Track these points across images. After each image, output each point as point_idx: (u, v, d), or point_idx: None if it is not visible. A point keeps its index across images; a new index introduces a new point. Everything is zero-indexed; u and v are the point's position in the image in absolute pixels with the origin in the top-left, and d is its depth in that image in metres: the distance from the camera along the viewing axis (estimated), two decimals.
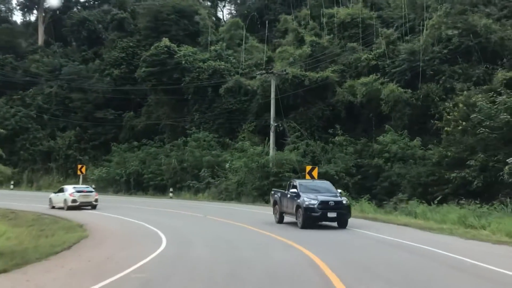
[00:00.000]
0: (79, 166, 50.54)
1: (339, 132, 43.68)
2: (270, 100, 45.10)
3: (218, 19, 73.63)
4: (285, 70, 43.85)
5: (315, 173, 31.90)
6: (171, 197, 44.73)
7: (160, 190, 47.45)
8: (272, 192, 26.71)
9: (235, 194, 40.71)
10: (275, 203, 25.31)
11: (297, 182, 24.15)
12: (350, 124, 46.49)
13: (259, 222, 25.09)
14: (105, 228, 22.56)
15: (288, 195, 23.62)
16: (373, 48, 47.90)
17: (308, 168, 32.90)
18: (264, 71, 42.30)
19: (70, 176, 55.83)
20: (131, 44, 59.87)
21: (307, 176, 32.32)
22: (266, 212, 31.32)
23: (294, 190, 23.26)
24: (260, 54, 54.46)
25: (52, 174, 56.44)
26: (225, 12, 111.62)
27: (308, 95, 47.05)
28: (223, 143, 48.15)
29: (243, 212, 32.17)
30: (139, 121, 56.34)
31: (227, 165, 43.26)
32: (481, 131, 34.13)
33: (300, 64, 48.42)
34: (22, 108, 59.72)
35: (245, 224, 23.88)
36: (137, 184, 48.82)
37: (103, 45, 64.37)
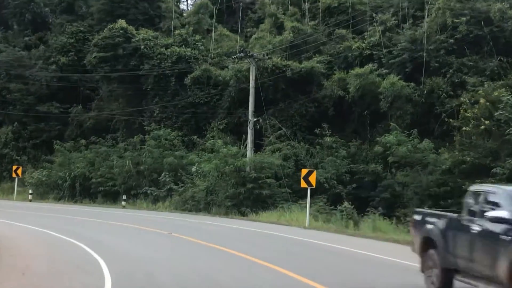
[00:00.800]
0: (14, 167, 42.90)
1: (327, 132, 37.22)
2: (245, 94, 38.68)
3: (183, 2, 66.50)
4: (267, 54, 37.24)
5: (312, 178, 25.25)
6: (124, 206, 37.50)
7: (111, 197, 40.15)
8: (418, 218, 12.51)
9: (204, 204, 33.80)
10: (427, 243, 11.65)
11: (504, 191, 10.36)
12: (338, 124, 40.09)
13: (250, 244, 18.36)
14: (22, 251, 15.49)
15: (477, 227, 10.23)
16: (366, 36, 41.67)
17: (304, 172, 26.23)
18: (242, 54, 35.47)
19: (5, 179, 47.94)
20: (81, 29, 52.37)
21: (302, 183, 25.68)
22: (248, 228, 24.64)
23: (500, 212, 9.72)
24: (232, 42, 47.66)
25: None
26: None
27: (290, 88, 40.59)
28: (189, 143, 41.16)
29: (218, 228, 25.32)
30: (89, 116, 48.84)
31: (193, 169, 36.31)
32: (510, 132, 28.36)
33: (280, 54, 41.84)
34: None
35: (231, 249, 17.06)
36: (83, 190, 41.38)
37: (49, 30, 56.52)
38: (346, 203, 28.04)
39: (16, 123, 50.28)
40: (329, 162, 35.48)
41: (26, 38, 55.69)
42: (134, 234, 21.57)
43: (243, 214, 31.84)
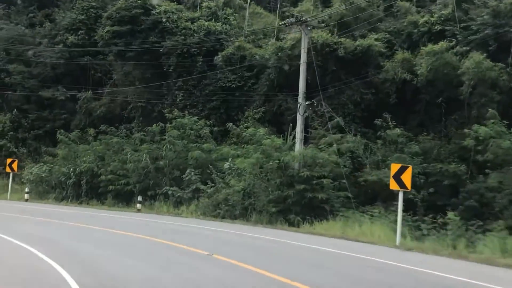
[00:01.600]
0: (9, 160, 36.49)
1: (390, 123, 30.33)
2: (287, 76, 32.36)
3: None
4: (323, 21, 30.51)
5: (407, 177, 18.40)
6: (139, 210, 30.89)
7: (124, 198, 33.59)
8: None
9: (241, 210, 27.00)
10: None
11: None
12: (400, 114, 33.14)
13: (340, 276, 11.72)
14: None
15: None
16: (435, 9, 34.70)
17: (395, 168, 19.27)
18: (293, 19, 28.58)
19: (2, 174, 41.52)
20: (93, 4, 45.88)
21: (392, 183, 18.85)
22: (311, 246, 18.02)
23: None
24: (268, 19, 40.97)
25: None
26: None
27: (342, 71, 33.71)
28: (217, 135, 34.50)
29: (272, 244, 18.64)
30: (100, 103, 42.32)
31: (226, 165, 29.61)
32: None
33: (331, 30, 35.03)
34: None
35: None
36: (90, 189, 34.90)
37: (57, 7, 50.20)
38: (450, 215, 21.16)
39: (15, 110, 43.97)
40: (395, 160, 28.58)
41: (31, 15, 49.36)
42: (160, 255, 14.89)
43: (291, 224, 25.08)
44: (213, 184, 29.58)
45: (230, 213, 27.19)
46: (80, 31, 45.03)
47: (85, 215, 27.61)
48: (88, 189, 34.91)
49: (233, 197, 27.44)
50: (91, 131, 37.55)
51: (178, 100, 36.92)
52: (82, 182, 34.89)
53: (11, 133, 43.12)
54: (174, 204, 30.87)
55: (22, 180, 38.50)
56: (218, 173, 29.79)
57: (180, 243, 16.72)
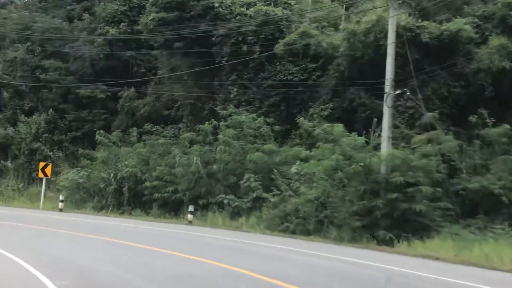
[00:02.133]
0: (41, 164, 32.66)
1: (488, 121, 25.34)
2: (360, 67, 27.91)
3: None
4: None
5: None
6: (190, 222, 26.45)
7: (172, 208, 29.33)
8: None
9: (315, 223, 22.28)
10: None
11: None
12: (495, 110, 28.05)
13: None
14: None
15: None
16: None
17: None
18: None
19: (36, 181, 37.77)
20: None
21: None
22: (442, 278, 13.32)
23: None
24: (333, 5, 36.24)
25: (7, 178, 38.33)
26: None
27: (426, 60, 28.83)
28: (277, 135, 29.93)
29: (377, 273, 13.85)
30: (143, 102, 38.26)
31: (293, 168, 24.96)
32: None
33: (411, 13, 30.16)
34: None
35: None
36: (133, 197, 30.75)
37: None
38: None
39: (51, 110, 40.21)
40: (500, 164, 23.69)
41: (69, 7, 45.72)
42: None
43: (381, 242, 20.25)
44: (278, 192, 24.96)
45: (302, 228, 22.47)
46: (121, 24, 41.12)
47: (129, 229, 23.39)
48: (131, 197, 30.73)
49: (304, 208, 22.75)
50: (134, 131, 33.35)
51: (232, 96, 32.46)
52: (124, 189, 30.73)
53: (46, 135, 39.34)
54: (230, 215, 26.36)
55: (57, 187, 34.60)
56: (284, 180, 25.14)
57: (262, 273, 12.12)
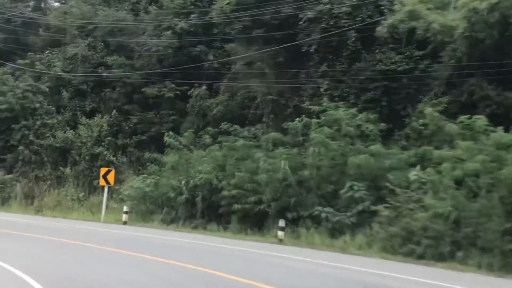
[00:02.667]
0: (103, 170, 28.72)
1: None
2: (482, 52, 22.68)
3: None
4: None
5: None
6: (280, 240, 21.65)
7: (255, 222, 24.68)
8: None
9: (450, 245, 17.14)
10: None
11: None
12: None
13: None
14: None
15: None
16: None
17: None
18: None
19: (97, 189, 33.88)
20: None
21: None
22: None
23: None
24: None
25: (66, 186, 34.60)
26: None
27: None
28: (382, 132, 24.89)
29: None
30: (216, 101, 33.98)
31: (412, 174, 19.88)
32: None
33: None
34: (30, 78, 38.56)
35: None
36: (208, 208, 26.29)
37: None
38: None
39: (114, 111, 36.39)
40: None
41: (134, 0, 42.06)
42: None
43: None
44: (390, 205, 19.93)
45: (434, 251, 17.36)
46: (191, 16, 37.08)
47: (205, 249, 18.94)
48: (205, 209, 26.25)
49: (434, 225, 17.65)
50: (210, 131, 28.88)
51: (322, 90, 27.67)
52: (197, 199, 26.29)
53: (109, 138, 35.47)
54: (329, 232, 21.49)
55: (121, 196, 30.58)
56: (399, 189, 20.06)
57: None
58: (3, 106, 36.38)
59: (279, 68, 29.76)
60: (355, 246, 19.88)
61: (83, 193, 34.19)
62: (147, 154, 30.94)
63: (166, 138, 29.42)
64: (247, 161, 26.04)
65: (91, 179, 34.72)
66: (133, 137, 36.21)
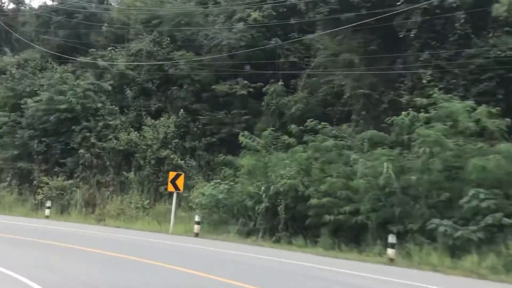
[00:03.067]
0: (172, 175, 25.55)
1: None
2: None
3: None
4: None
5: None
6: (391, 260, 17.77)
7: (350, 236, 20.98)
8: None
9: None
10: None
11: None
12: None
13: None
14: None
15: None
16: None
17: None
18: None
19: (164, 197, 30.89)
20: None
21: None
22: None
23: None
24: None
25: (130, 193, 31.67)
26: None
27: None
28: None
29: None
30: (295, 98, 30.48)
31: None
32: None
33: None
34: (91, 76, 36.00)
35: None
36: (293, 219, 22.77)
37: None
38: None
39: (181, 110, 33.27)
40: None
41: None
42: None
43: None
44: None
45: None
46: (265, 6, 33.76)
47: (300, 271, 15.31)
48: (289, 219, 22.65)
49: None
50: (293, 128, 25.14)
51: (424, 82, 23.70)
52: (279, 208, 22.68)
53: (176, 140, 32.39)
54: (449, 250, 17.51)
55: (190, 204, 27.34)
56: None
57: None
58: (63, 106, 33.81)
59: (371, 58, 25.90)
60: (488, 268, 15.86)
61: (148, 201, 31.20)
62: (220, 157, 27.43)
63: (241, 139, 26.01)
64: (338, 164, 22.31)
65: (157, 185, 31.73)
66: (202, 139, 33.00)
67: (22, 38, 42.34)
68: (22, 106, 35.80)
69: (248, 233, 23.97)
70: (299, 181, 22.48)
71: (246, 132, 27.13)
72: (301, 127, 24.83)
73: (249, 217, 24.33)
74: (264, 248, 20.97)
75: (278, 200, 22.90)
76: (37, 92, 35.64)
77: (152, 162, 32.13)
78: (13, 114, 36.16)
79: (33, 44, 41.51)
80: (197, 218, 24.10)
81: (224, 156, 26.95)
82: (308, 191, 22.05)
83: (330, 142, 22.86)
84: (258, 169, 24.91)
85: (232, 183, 25.95)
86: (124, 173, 32.55)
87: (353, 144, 23.20)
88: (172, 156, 31.61)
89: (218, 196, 25.14)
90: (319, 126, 23.67)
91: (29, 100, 35.29)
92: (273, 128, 28.94)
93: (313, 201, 21.52)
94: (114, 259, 15.08)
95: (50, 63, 37.75)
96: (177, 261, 14.77)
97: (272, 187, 23.10)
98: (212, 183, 26.39)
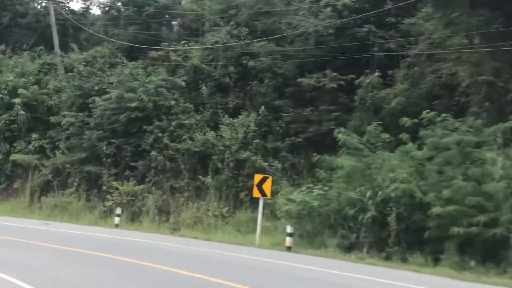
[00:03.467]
0: (257, 178, 22.09)
1: None
2: None
3: None
4: None
5: None
6: None
7: (484, 253, 16.95)
8: None
9: None
10: None
11: None
12: None
13: None
14: None
15: None
16: None
17: None
18: None
19: (244, 204, 27.57)
20: None
21: None
22: None
23: None
24: None
25: (207, 199, 28.50)
26: None
27: None
28: None
29: None
30: (394, 91, 26.59)
31: None
32: None
33: None
34: (164, 72, 33.13)
35: None
36: (407, 231, 18.92)
37: None
38: None
39: (263, 107, 29.82)
40: None
41: None
42: None
43: None
44: None
45: None
46: None
47: None
48: (403, 232, 18.82)
49: None
50: (406, 121, 21.24)
51: None
52: (389, 218, 18.90)
53: (257, 141, 29.01)
54: None
55: (277, 212, 23.86)
56: None
57: None
58: (134, 104, 30.98)
59: (494, 40, 21.78)
60: None
61: (227, 208, 27.95)
62: (315, 157, 23.66)
63: (339, 136, 22.35)
64: (464, 165, 18.34)
65: (237, 190, 28.42)
66: (286, 139, 29.46)
67: (92, 32, 40.05)
68: (90, 105, 33.35)
69: (348, 248, 20.28)
70: (416, 185, 18.63)
71: (342, 129, 23.46)
72: (415, 120, 20.91)
73: (349, 228, 20.63)
74: (375, 268, 17.22)
75: (388, 209, 19.13)
76: (106, 90, 33.12)
77: (230, 165, 28.82)
78: (80, 114, 33.69)
79: (104, 37, 39.00)
80: (289, 229, 20.52)
81: (320, 156, 23.23)
82: (428, 197, 18.18)
83: (453, 138, 18.87)
84: (360, 171, 21.17)
85: (326, 187, 22.30)
86: (200, 177, 29.36)
87: (481, 140, 19.10)
88: (253, 158, 28.22)
89: (312, 203, 21.51)
90: (439, 119, 19.73)
91: (97, 99, 32.77)
92: (368, 126, 25.23)
93: (436, 209, 17.64)
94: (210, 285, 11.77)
95: (120, 58, 35.17)
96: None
97: (379, 192, 19.36)
98: (303, 188, 22.81)
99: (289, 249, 20.19)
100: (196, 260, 16.42)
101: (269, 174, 25.90)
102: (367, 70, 27.89)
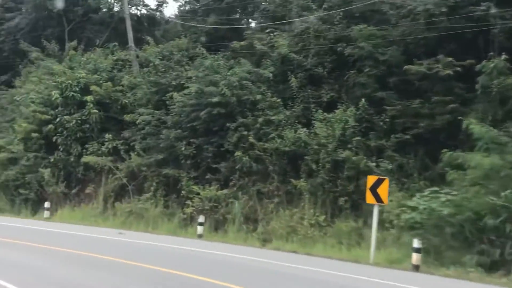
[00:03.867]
0: (371, 180, 18.25)
1: None
2: None
3: None
4: None
5: None
6: None
7: None
8: None
9: None
10: None
11: None
12: None
13: None
14: None
15: None
16: None
17: None
18: None
19: (344, 211, 23.80)
20: None
21: None
22: None
23: None
24: None
25: (301, 206, 24.84)
26: None
27: None
28: None
29: None
30: None
31: None
32: None
33: None
34: (248, 63, 29.77)
35: None
36: None
37: None
38: None
39: (363, 100, 25.87)
40: None
41: None
42: None
43: None
44: None
45: None
46: None
47: None
48: None
49: None
50: None
51: None
52: None
53: (358, 138, 25.18)
54: None
55: (391, 221, 19.97)
56: None
57: None
58: (215, 99, 27.74)
59: None
60: None
61: (324, 216, 24.23)
62: (444, 153, 19.60)
63: (471, 126, 18.29)
64: None
65: (334, 195, 24.64)
66: (391, 136, 25.44)
67: (170, 18, 37.28)
68: (167, 102, 30.45)
69: (491, 266, 16.19)
70: None
71: (471, 120, 19.37)
72: None
73: (490, 242, 16.53)
74: None
75: None
76: (184, 85, 30.15)
77: (326, 166, 25.06)
78: (157, 112, 30.81)
79: (182, 22, 36.04)
80: (416, 244, 16.56)
81: (451, 152, 19.16)
82: None
83: None
84: (503, 171, 17.04)
85: (455, 192, 18.24)
86: (292, 180, 25.75)
87: None
88: (353, 158, 24.38)
89: (441, 211, 17.49)
90: None
91: (175, 94, 29.82)
92: (492, 120, 21.02)
93: None
94: None
95: (200, 49, 32.07)
96: None
97: None
98: (427, 192, 18.82)
99: (416, 268, 16.27)
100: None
101: (380, 175, 22.09)
102: (491, 53, 23.63)
